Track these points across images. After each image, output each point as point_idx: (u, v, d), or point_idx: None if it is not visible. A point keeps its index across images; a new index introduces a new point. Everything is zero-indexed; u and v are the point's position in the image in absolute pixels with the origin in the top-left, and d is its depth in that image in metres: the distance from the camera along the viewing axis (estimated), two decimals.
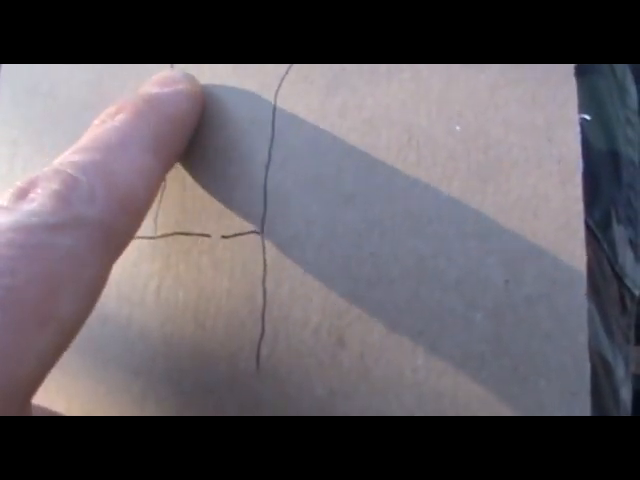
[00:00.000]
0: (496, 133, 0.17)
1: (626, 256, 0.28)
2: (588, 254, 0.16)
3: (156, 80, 0.20)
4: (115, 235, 0.16)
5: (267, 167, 0.19)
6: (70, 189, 0.15)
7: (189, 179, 0.20)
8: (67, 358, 0.15)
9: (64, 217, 0.15)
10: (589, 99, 0.26)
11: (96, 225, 0.15)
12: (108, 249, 0.16)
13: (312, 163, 0.19)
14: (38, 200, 0.15)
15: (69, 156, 0.16)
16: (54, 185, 0.15)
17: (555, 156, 0.17)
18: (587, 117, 0.16)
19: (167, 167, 0.19)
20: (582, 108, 0.25)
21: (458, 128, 0.18)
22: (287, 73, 0.20)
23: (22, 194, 0.15)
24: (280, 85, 0.20)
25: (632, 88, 0.29)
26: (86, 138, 0.17)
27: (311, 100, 0.19)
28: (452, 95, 0.18)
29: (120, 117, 0.18)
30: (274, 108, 0.20)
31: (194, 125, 0.20)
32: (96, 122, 0.18)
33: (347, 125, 0.19)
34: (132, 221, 0.17)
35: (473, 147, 0.17)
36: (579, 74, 0.26)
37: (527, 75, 0.17)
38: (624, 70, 0.29)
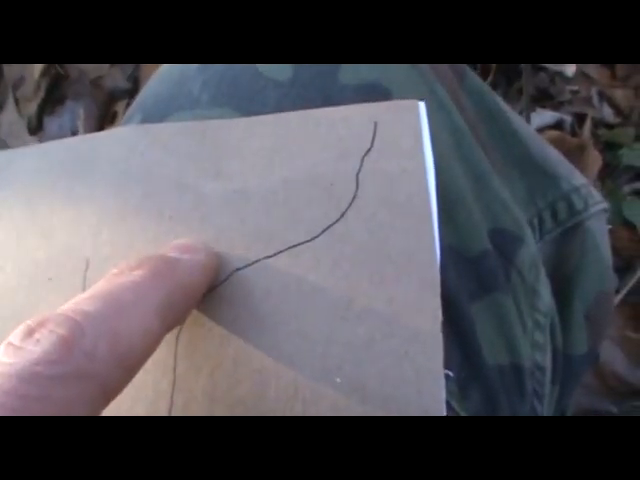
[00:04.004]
0: (372, 386, 0.19)
1: None
2: None
3: (176, 245, 0.21)
4: (109, 389, 0.16)
5: (170, 412, 0.21)
6: (76, 339, 0.16)
7: None
8: None
9: (65, 370, 0.15)
10: (492, 317, 0.27)
11: (93, 379, 0.16)
12: (100, 401, 0.16)
13: (209, 408, 0.20)
14: (43, 343, 0.15)
15: (83, 302, 0.17)
16: (61, 330, 0.16)
17: (423, 407, 0.18)
18: (450, 373, 0.19)
19: (169, 330, 0.19)
20: (483, 328, 0.26)
21: (338, 380, 0.19)
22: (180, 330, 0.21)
23: (30, 332, 0.16)
24: (180, 330, 0.21)
25: (544, 289, 0.29)
26: (102, 287, 0.18)
27: (208, 347, 0.21)
28: (333, 350, 0.19)
29: (138, 274, 0.18)
30: (175, 353, 0.21)
31: (202, 295, 0.21)
32: (115, 271, 0.19)
33: (238, 376, 0.20)
34: (127, 377, 0.17)
35: (353, 398, 0.19)
36: (485, 292, 0.27)
37: (400, 330, 0.19)
38: (537, 272, 0.29)
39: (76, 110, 0.99)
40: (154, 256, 0.20)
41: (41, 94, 1.01)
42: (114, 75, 0.99)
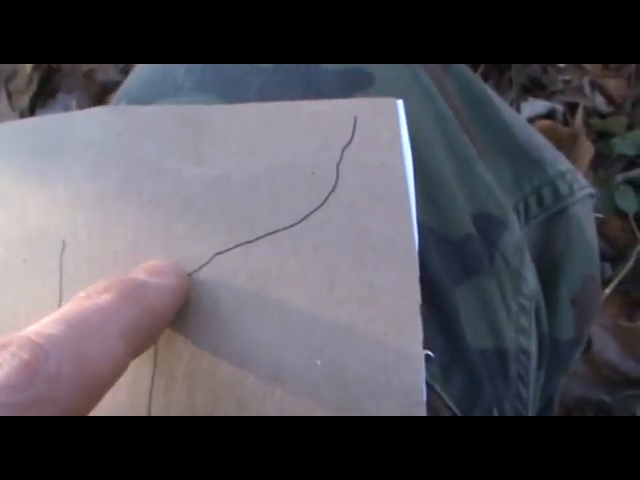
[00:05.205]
0: (353, 369, 0.19)
1: None
2: None
3: (146, 268, 0.20)
4: (71, 412, 0.16)
5: (150, 395, 0.21)
6: (39, 362, 0.15)
7: None
8: None
9: (25, 395, 0.15)
10: (476, 301, 0.27)
11: (54, 404, 0.15)
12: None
13: (190, 391, 0.20)
14: (4, 367, 0.15)
15: (47, 325, 0.17)
16: (24, 354, 0.15)
17: (403, 388, 0.19)
18: (431, 354, 0.19)
19: (137, 354, 0.19)
20: (466, 312, 0.27)
21: (319, 362, 0.19)
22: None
23: None
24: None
25: (529, 274, 0.29)
26: (68, 310, 0.17)
27: (189, 331, 0.21)
28: (314, 334, 0.20)
29: (105, 298, 0.18)
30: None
31: (173, 318, 0.20)
32: (82, 294, 0.18)
33: (219, 360, 0.20)
34: (90, 401, 0.17)
35: (334, 381, 0.19)
36: (468, 276, 0.27)
37: (380, 313, 0.19)
38: (521, 256, 0.29)
39: (68, 103, 0.98)
40: (123, 279, 0.19)
41: (33, 87, 1.00)
42: (106, 68, 0.99)
